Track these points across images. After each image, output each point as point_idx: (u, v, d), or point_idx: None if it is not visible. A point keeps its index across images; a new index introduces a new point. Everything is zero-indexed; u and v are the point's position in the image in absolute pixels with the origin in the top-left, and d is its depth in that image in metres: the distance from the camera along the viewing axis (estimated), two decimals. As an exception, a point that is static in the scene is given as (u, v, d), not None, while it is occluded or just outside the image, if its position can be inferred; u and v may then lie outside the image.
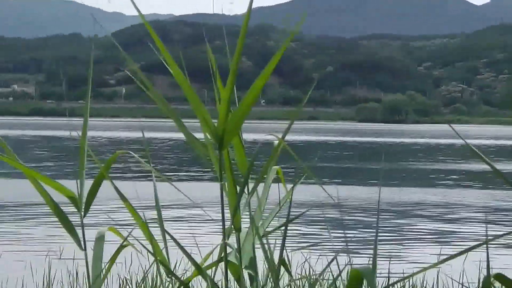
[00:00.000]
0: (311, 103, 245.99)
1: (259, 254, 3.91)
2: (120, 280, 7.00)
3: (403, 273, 9.44)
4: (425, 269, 2.86)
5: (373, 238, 14.44)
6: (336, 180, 28.79)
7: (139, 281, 5.76)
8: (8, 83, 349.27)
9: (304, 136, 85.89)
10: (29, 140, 66.19)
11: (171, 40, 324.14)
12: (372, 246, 4.18)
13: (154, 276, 5.95)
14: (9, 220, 19.70)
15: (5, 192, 25.58)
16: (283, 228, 3.97)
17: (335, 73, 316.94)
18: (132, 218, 4.19)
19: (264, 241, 3.82)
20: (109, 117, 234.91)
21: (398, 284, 6.23)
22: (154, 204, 4.24)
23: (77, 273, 8.84)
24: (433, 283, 7.83)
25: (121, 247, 4.14)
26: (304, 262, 6.94)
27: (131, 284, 6.29)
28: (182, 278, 4.04)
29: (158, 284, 5.56)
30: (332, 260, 3.74)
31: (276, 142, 3.90)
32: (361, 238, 14.71)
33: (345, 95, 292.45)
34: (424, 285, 7.82)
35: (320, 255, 9.60)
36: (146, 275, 4.91)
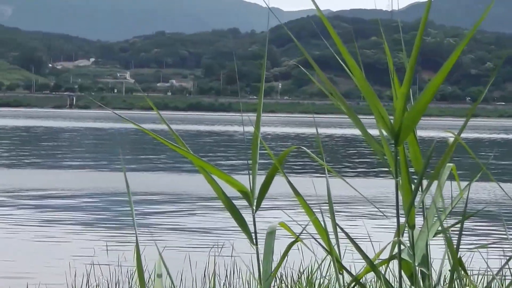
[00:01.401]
0: (468, 100, 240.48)
1: (433, 251, 3.86)
2: (285, 275, 7.09)
3: None
4: None
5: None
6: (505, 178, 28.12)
7: (309, 276, 5.78)
8: (167, 78, 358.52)
9: (466, 134, 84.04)
10: (192, 134, 67.79)
11: (329, 36, 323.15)
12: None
13: (320, 271, 5.96)
14: (174, 213, 20.25)
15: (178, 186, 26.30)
16: (458, 225, 3.90)
17: (494, 69, 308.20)
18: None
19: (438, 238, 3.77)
20: (265, 112, 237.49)
21: None
22: (323, 200, 4.26)
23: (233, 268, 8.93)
24: None
25: (292, 242, 4.16)
26: (481, 261, 6.79)
27: (300, 279, 6.33)
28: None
29: (329, 280, 5.56)
30: (510, 259, 3.65)
31: (451, 139, 3.83)
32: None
33: (505, 92, 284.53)
34: None
35: (496, 254, 9.38)
36: (317, 269, 4.93)
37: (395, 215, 3.75)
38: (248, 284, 9.36)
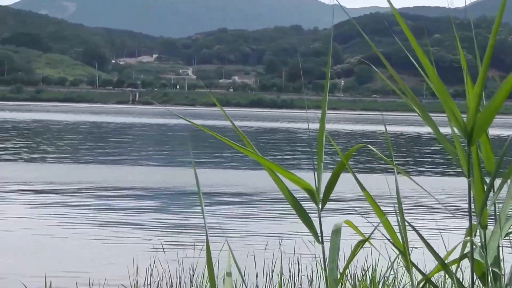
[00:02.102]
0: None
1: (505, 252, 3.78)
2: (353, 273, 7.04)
3: None
4: None
5: None
6: None
7: (374, 274, 5.72)
8: (230, 74, 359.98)
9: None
10: (255, 131, 67.93)
11: (393, 32, 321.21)
12: None
13: (393, 270, 5.89)
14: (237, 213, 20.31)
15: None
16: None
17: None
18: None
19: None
20: (329, 109, 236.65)
21: None
22: (389, 198, 4.19)
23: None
24: None
25: (361, 241, 4.12)
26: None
27: (364, 278, 6.27)
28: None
29: (394, 279, 5.50)
30: None
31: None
32: None
33: None
34: None
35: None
36: (389, 268, 4.87)
37: (465, 215, 3.68)
38: (311, 282, 9.32)
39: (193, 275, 10.41)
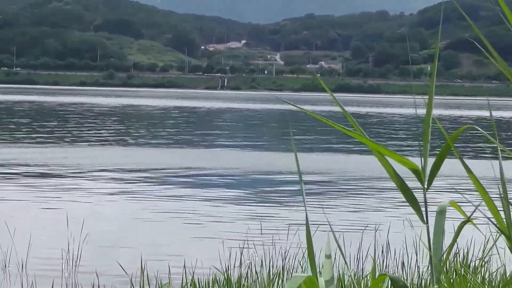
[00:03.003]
0: None
1: None
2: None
3: None
4: None
5: None
6: None
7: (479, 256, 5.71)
8: (317, 59, 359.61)
9: None
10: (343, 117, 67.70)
11: (479, 17, 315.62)
12: None
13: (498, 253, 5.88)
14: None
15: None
16: None
17: None
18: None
19: None
20: (415, 94, 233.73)
21: None
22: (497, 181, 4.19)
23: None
24: None
25: (463, 223, 4.13)
26: None
27: (466, 259, 6.26)
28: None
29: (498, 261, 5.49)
30: None
31: None
32: None
33: None
34: None
35: None
36: (490, 248, 4.88)
37: None
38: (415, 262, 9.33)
39: (285, 259, 10.51)
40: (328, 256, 3.50)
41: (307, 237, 3.17)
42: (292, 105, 3.36)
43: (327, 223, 12.03)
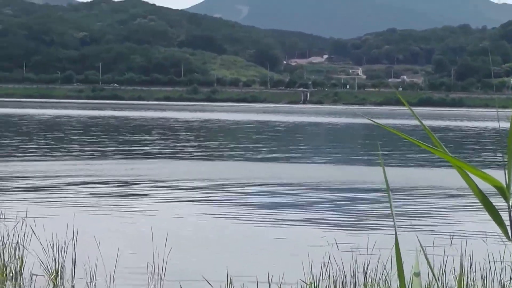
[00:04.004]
0: None
1: None
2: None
3: None
4: None
5: None
6: None
7: None
8: (399, 73, 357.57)
9: None
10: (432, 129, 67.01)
11: None
12: None
13: None
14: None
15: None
16: None
17: None
18: None
19: None
20: (498, 107, 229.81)
21: None
22: None
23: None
24: None
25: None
26: None
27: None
28: None
29: None
30: None
31: None
32: None
33: None
34: None
35: None
36: None
37: None
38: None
39: (366, 272, 10.51)
40: (417, 274, 3.46)
41: (396, 253, 3.16)
42: (369, 119, 3.40)
43: (413, 237, 11.97)
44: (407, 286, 3.25)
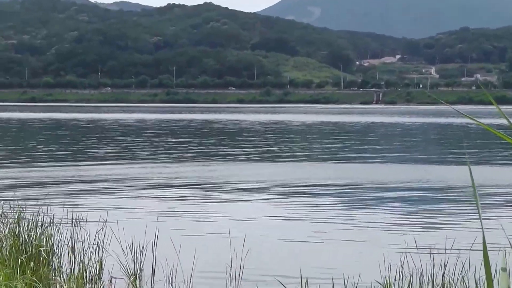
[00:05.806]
0: None
1: None
2: None
3: None
4: None
5: None
6: None
7: None
8: (472, 72, 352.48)
9: None
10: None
11: None
12: None
13: None
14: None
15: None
16: None
17: None
18: None
19: None
20: None
21: None
22: None
23: None
24: None
25: None
26: None
27: None
28: None
29: None
30: None
31: None
32: None
33: None
34: None
35: None
36: None
37: None
38: None
39: (444, 273, 10.46)
40: (504, 269, 3.42)
41: (484, 253, 3.15)
42: (471, 118, 3.37)
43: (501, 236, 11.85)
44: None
